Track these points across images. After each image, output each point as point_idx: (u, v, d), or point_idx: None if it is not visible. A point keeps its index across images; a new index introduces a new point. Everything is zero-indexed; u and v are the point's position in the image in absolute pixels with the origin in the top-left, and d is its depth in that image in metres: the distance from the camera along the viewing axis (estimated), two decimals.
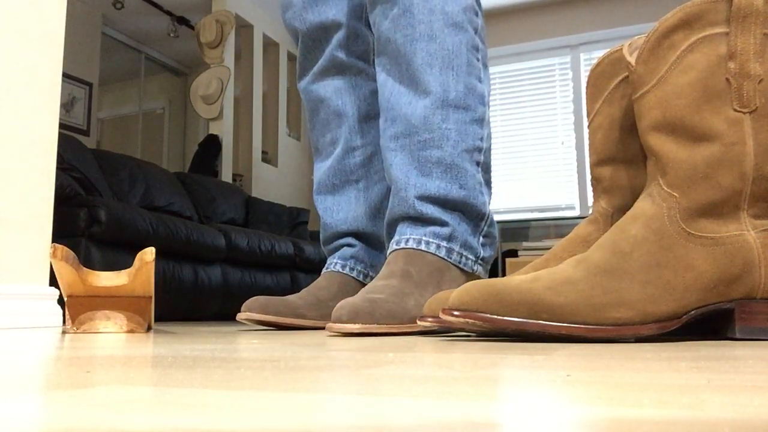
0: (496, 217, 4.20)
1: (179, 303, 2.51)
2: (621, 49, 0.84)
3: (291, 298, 1.16)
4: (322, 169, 1.29)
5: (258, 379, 0.34)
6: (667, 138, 0.70)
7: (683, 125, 0.69)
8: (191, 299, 2.57)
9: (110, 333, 1.01)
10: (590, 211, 0.88)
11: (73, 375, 0.36)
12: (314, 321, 1.15)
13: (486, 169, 1.06)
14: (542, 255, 1.17)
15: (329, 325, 0.86)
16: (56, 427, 0.20)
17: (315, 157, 1.32)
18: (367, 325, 0.85)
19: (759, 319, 0.68)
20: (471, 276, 1.01)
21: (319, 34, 1.25)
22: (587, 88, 0.89)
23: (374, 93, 1.27)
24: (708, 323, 0.73)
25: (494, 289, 0.66)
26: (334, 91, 1.26)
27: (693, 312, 0.67)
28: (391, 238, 1.06)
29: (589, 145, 0.89)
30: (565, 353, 0.50)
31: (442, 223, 0.99)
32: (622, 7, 4.12)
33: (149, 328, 1.10)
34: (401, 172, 1.02)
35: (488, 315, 0.65)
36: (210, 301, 2.66)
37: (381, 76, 1.08)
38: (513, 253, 3.69)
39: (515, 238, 3.97)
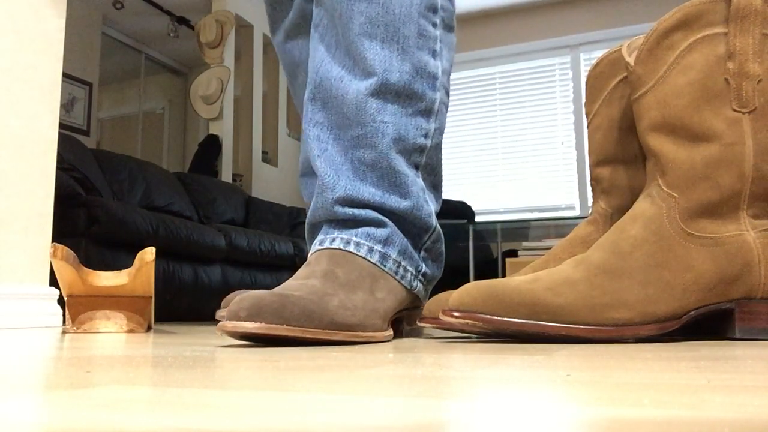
0: (496, 218, 4.20)
1: (179, 303, 2.51)
2: (620, 49, 0.85)
3: None
4: (306, 148, 1.08)
5: (258, 379, 0.34)
6: (667, 138, 0.70)
7: (682, 125, 0.69)
8: (191, 299, 2.57)
9: (110, 333, 1.01)
10: (590, 212, 0.87)
11: (73, 375, 0.36)
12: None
13: (430, 171, 0.87)
14: (542, 255, 1.14)
15: (222, 322, 0.66)
16: (56, 427, 0.20)
17: (303, 134, 1.15)
18: (272, 326, 0.64)
19: (759, 319, 0.68)
20: (409, 293, 0.82)
21: None
22: (586, 88, 0.89)
23: None
24: (708, 323, 0.73)
25: (494, 290, 0.66)
26: (309, 52, 1.02)
27: (693, 312, 0.67)
28: (313, 240, 0.88)
29: (588, 145, 0.89)
30: (565, 353, 0.51)
31: (378, 224, 0.81)
32: (622, 7, 4.12)
33: (149, 328, 1.10)
34: (331, 168, 0.83)
35: (488, 316, 0.65)
36: (210, 301, 2.66)
37: (315, 35, 0.89)
38: (513, 253, 3.69)
39: (515, 238, 3.97)
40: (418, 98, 0.84)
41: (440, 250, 0.88)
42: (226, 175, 4.04)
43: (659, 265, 0.66)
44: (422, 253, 0.85)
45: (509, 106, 4.37)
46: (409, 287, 0.82)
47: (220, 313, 0.98)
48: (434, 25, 0.86)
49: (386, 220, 0.81)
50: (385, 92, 0.82)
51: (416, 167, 0.85)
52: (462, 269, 3.60)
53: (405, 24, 0.83)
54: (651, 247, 0.67)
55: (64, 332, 1.05)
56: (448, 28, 0.89)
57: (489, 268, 3.77)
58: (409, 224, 0.83)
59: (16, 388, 0.31)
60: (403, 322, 0.90)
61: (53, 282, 1.62)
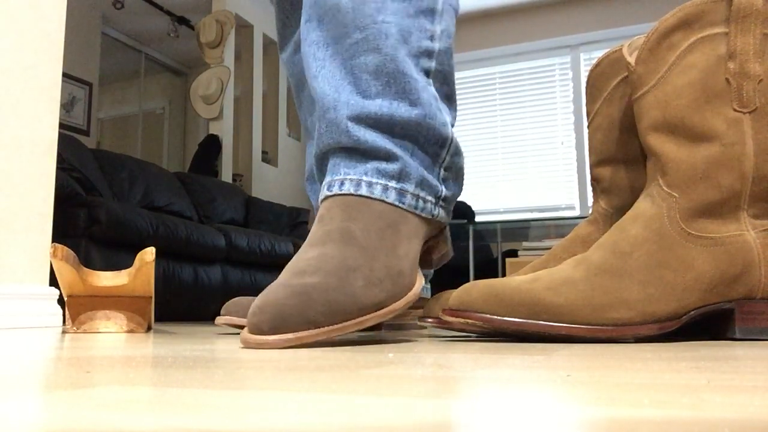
0: (496, 218, 4.20)
1: (179, 303, 2.51)
2: (620, 49, 0.85)
3: None
4: (311, 153, 1.05)
5: (258, 379, 0.34)
6: (667, 138, 0.70)
7: (683, 125, 0.69)
8: (191, 299, 2.57)
9: (110, 333, 1.01)
10: (590, 212, 0.87)
11: (73, 375, 0.36)
12: None
13: (443, 79, 0.79)
14: (542, 255, 1.14)
15: (244, 337, 0.61)
16: (56, 427, 0.20)
17: (306, 141, 1.08)
18: (302, 333, 0.60)
19: (759, 319, 0.68)
20: (432, 223, 0.76)
21: None
22: (587, 88, 0.89)
23: None
24: (708, 323, 0.73)
25: (494, 290, 0.66)
26: None
27: (693, 312, 0.67)
28: (323, 176, 0.79)
29: (589, 145, 0.89)
30: (565, 353, 0.51)
31: (388, 156, 0.73)
32: (622, 7, 4.13)
33: (149, 328, 1.10)
34: (329, 86, 0.75)
35: (488, 315, 0.65)
36: (210, 301, 2.66)
37: None
38: (513, 253, 3.69)
39: (515, 238, 3.97)
40: None
41: (460, 165, 0.81)
42: (226, 175, 4.04)
43: (659, 265, 0.66)
44: (442, 172, 0.78)
45: (509, 106, 4.38)
46: (430, 217, 0.75)
47: (220, 320, 0.95)
48: None
49: (396, 149, 0.73)
50: None
51: (426, 74, 0.77)
52: (462, 269, 3.60)
53: None
54: (651, 246, 0.67)
55: (64, 332, 1.05)
56: None
57: (489, 268, 3.77)
58: (422, 136, 0.75)
59: (16, 388, 0.31)
60: (432, 253, 0.82)
61: (53, 282, 1.62)
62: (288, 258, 3.20)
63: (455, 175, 0.80)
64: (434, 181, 0.76)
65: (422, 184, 0.74)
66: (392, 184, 0.72)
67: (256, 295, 0.87)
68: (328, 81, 0.75)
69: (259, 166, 4.28)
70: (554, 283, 0.66)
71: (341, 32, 0.75)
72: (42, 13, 1.52)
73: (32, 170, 1.47)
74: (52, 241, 1.79)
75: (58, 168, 2.19)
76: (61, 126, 3.96)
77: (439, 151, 0.76)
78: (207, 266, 2.71)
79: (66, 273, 1.01)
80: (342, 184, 0.72)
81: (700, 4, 0.70)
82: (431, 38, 0.76)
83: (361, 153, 0.73)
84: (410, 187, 0.73)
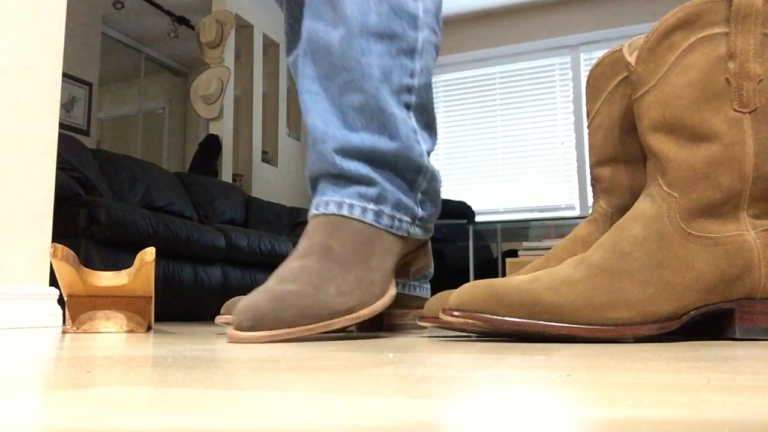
0: (496, 218, 4.20)
1: (179, 303, 2.51)
2: (621, 49, 0.85)
3: None
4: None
5: (258, 379, 0.34)
6: (667, 138, 0.70)
7: (683, 125, 0.69)
8: (191, 299, 2.57)
9: (110, 333, 1.01)
10: (590, 211, 0.87)
11: (73, 375, 0.36)
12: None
13: (422, 110, 0.88)
14: (542, 255, 1.14)
15: (229, 333, 0.71)
16: (56, 427, 0.20)
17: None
18: (275, 332, 0.70)
19: (759, 319, 0.68)
20: (407, 240, 0.85)
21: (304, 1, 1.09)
22: (587, 88, 0.89)
23: None
24: (708, 323, 0.73)
25: (494, 290, 0.66)
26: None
27: (693, 312, 0.67)
28: (314, 197, 0.91)
29: (589, 145, 0.89)
30: (565, 353, 0.51)
31: (369, 182, 0.83)
32: (622, 7, 4.12)
33: (149, 328, 1.10)
34: (320, 120, 0.85)
35: (488, 315, 0.65)
36: (210, 301, 2.66)
37: (305, 3, 0.92)
38: (513, 253, 3.69)
39: (515, 238, 3.97)
40: (399, 38, 0.84)
41: (436, 189, 0.90)
42: (226, 175, 4.04)
43: (659, 265, 0.66)
44: (419, 195, 0.87)
45: (509, 106, 4.38)
46: (406, 235, 0.85)
47: (220, 319, 0.96)
48: None
49: (375, 177, 0.83)
50: (366, 34, 0.83)
51: (407, 107, 0.86)
52: (462, 269, 3.60)
53: None
54: (651, 246, 0.67)
55: (64, 332, 1.05)
56: None
57: (489, 268, 3.77)
58: (401, 165, 0.84)
59: (16, 388, 0.31)
60: (411, 266, 0.91)
61: (53, 282, 1.62)
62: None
63: (432, 197, 0.90)
64: (411, 204, 0.86)
65: (398, 206, 0.84)
66: (370, 206, 0.82)
67: None
68: (319, 115, 0.85)
69: (259, 166, 4.28)
70: (554, 283, 0.66)
71: (331, 71, 0.85)
72: (42, 13, 1.52)
73: (32, 170, 1.47)
74: (52, 241, 1.79)
75: (58, 168, 2.19)
76: (61, 126, 3.96)
77: (415, 177, 0.86)
78: (207, 266, 2.71)
79: (66, 273, 1.01)
80: (327, 204, 0.83)
81: (700, 4, 0.70)
82: (411, 75, 0.86)
83: (345, 179, 0.83)
84: (387, 209, 0.83)
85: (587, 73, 0.97)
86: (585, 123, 4.15)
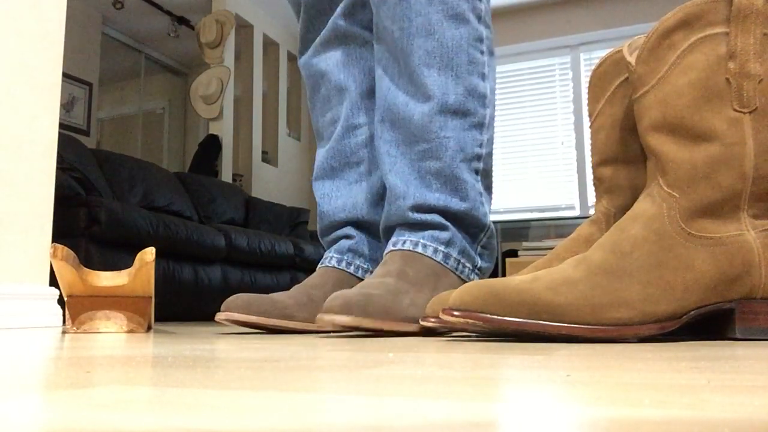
0: (496, 218, 4.20)
1: (179, 303, 2.51)
2: (622, 49, 0.84)
3: (280, 296, 1.01)
4: (321, 152, 1.18)
5: (258, 379, 0.34)
6: (667, 138, 0.70)
7: (683, 125, 0.69)
8: (191, 299, 2.57)
9: (110, 333, 1.01)
10: (591, 211, 0.87)
11: (73, 375, 0.36)
12: (304, 323, 1.00)
13: (486, 175, 1.01)
14: (542, 255, 1.15)
15: (320, 315, 0.82)
16: (56, 427, 0.20)
17: (317, 143, 1.21)
18: (359, 319, 0.81)
19: (759, 319, 0.68)
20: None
21: (324, 4, 1.15)
22: (589, 88, 0.89)
23: None
24: (708, 323, 0.73)
25: (494, 290, 0.66)
26: (335, 64, 1.15)
27: (693, 312, 0.67)
28: (388, 241, 1.03)
29: (591, 145, 0.89)
30: (565, 353, 0.51)
31: (442, 228, 0.96)
32: (622, 7, 4.13)
33: (149, 328, 1.10)
34: (401, 180, 0.98)
35: (488, 315, 0.65)
36: (210, 301, 2.66)
37: (379, 69, 1.04)
38: (513, 253, 3.69)
39: (515, 238, 3.97)
40: (472, 115, 0.98)
41: (493, 246, 1.03)
42: (226, 175, 4.04)
43: (660, 265, 0.66)
44: (479, 249, 1.00)
45: (509, 106, 4.38)
46: (467, 280, 0.96)
47: (220, 316, 0.96)
48: (481, 52, 0.99)
49: (448, 224, 0.96)
50: (445, 112, 0.96)
51: (476, 172, 0.99)
52: None
53: (457, 54, 0.97)
54: (651, 246, 0.67)
55: (64, 332, 1.05)
56: (492, 52, 1.03)
57: None
58: (467, 224, 0.98)
59: (16, 388, 0.31)
60: None
61: (53, 282, 1.62)
62: (288, 258, 3.20)
63: (490, 252, 1.03)
64: (473, 254, 0.99)
65: (464, 253, 0.97)
66: (441, 248, 0.95)
67: (254, 294, 0.98)
68: (400, 176, 0.99)
69: (259, 166, 4.28)
70: (554, 282, 0.66)
71: (411, 139, 0.98)
72: (42, 13, 1.52)
73: (32, 170, 1.47)
74: (52, 241, 1.79)
75: (58, 168, 2.19)
76: (61, 126, 3.96)
77: (478, 233, 0.99)
78: (207, 266, 2.71)
79: (66, 273, 1.01)
80: (404, 243, 0.96)
81: (700, 3, 0.70)
82: (480, 146, 0.99)
83: (420, 226, 0.97)
84: (454, 253, 0.96)
85: (589, 74, 0.98)
86: (585, 123, 4.15)
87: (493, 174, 1.09)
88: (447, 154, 0.96)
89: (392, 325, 0.83)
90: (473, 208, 0.97)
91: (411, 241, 0.95)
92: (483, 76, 0.99)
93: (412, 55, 0.97)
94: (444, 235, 0.96)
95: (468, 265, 0.97)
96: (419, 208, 0.96)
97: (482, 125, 0.99)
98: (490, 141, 1.02)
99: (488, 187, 1.03)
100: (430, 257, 0.94)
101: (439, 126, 0.96)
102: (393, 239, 0.98)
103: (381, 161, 1.02)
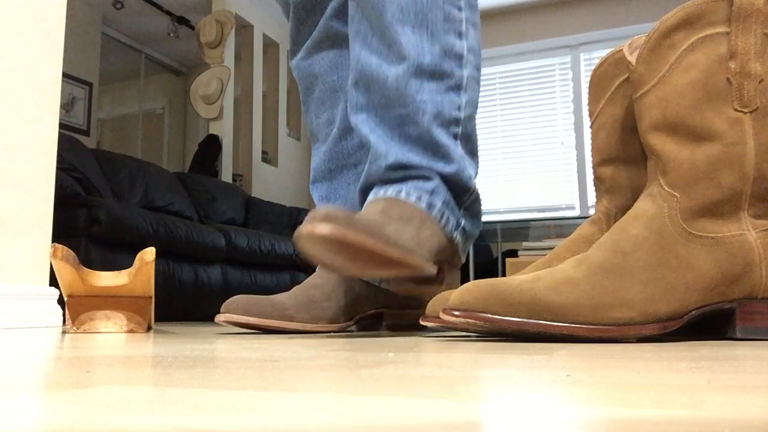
0: (496, 218, 4.20)
1: (179, 303, 2.51)
2: (623, 49, 0.84)
3: (279, 297, 0.99)
4: (318, 154, 1.17)
5: (258, 379, 0.34)
6: (668, 138, 0.70)
7: (684, 125, 0.69)
8: (191, 299, 2.57)
9: (110, 333, 1.01)
10: (590, 211, 0.87)
11: (73, 375, 0.36)
12: (304, 324, 0.98)
13: (466, 139, 0.96)
14: (542, 255, 1.14)
15: (300, 227, 0.73)
16: (56, 427, 0.20)
17: (312, 144, 1.20)
18: (343, 229, 0.71)
19: (759, 319, 0.68)
20: (450, 242, 0.92)
21: (312, 4, 1.13)
22: (590, 88, 0.89)
23: None
24: (708, 323, 0.73)
25: (495, 289, 0.66)
26: (329, 65, 1.14)
27: (694, 312, 0.67)
28: (362, 205, 0.97)
29: (592, 145, 0.89)
30: (565, 353, 0.50)
31: (426, 178, 0.91)
32: (622, 7, 4.12)
33: (149, 328, 1.10)
34: (381, 142, 0.93)
35: (489, 315, 0.65)
36: (210, 301, 2.66)
37: (352, 27, 0.98)
38: (513, 253, 3.69)
39: (515, 238, 3.97)
40: (449, 77, 0.93)
41: (478, 210, 0.99)
42: (226, 175, 4.04)
43: (660, 265, 0.66)
44: (462, 211, 0.95)
45: (509, 106, 4.37)
46: (449, 237, 0.91)
47: (220, 318, 0.96)
48: (459, 8, 0.94)
49: (433, 174, 0.91)
50: (420, 74, 0.91)
51: (455, 137, 0.94)
52: (462, 269, 3.60)
53: (432, 10, 0.92)
54: (652, 246, 0.67)
55: (64, 332, 1.05)
56: (472, 6, 0.97)
57: (489, 268, 3.77)
58: (452, 186, 0.93)
59: (16, 388, 0.31)
60: (444, 272, 0.96)
61: (53, 282, 1.62)
62: (288, 258, 3.20)
63: (473, 214, 0.98)
64: (457, 211, 0.94)
65: (448, 205, 0.91)
66: (425, 196, 0.89)
67: (253, 295, 0.96)
68: (380, 138, 0.94)
69: (259, 166, 4.28)
70: (555, 282, 0.66)
71: (387, 103, 0.93)
72: (42, 13, 1.52)
73: (32, 170, 1.47)
74: (52, 241, 1.79)
75: (58, 168, 2.19)
76: (61, 126, 3.96)
77: (463, 195, 0.95)
78: (207, 266, 2.71)
79: (66, 273, 1.01)
80: (386, 191, 0.90)
81: (701, 3, 0.70)
82: (458, 109, 0.94)
83: (403, 179, 0.91)
84: (438, 203, 0.90)
85: (589, 74, 0.98)
86: (585, 123, 4.15)
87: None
88: (424, 119, 0.91)
89: (376, 244, 0.73)
90: (459, 170, 0.93)
91: (394, 188, 0.90)
92: (460, 35, 0.95)
93: (384, 11, 0.92)
94: (428, 185, 0.90)
95: (452, 220, 0.92)
96: (402, 167, 0.92)
97: (459, 87, 0.95)
98: (470, 103, 0.97)
99: (472, 152, 0.99)
100: (413, 203, 0.88)
101: (415, 89, 0.91)
102: (372, 193, 0.93)
103: (358, 128, 0.96)
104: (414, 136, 0.92)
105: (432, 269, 0.83)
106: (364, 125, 0.95)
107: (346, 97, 1.11)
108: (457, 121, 0.94)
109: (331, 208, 0.74)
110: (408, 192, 0.89)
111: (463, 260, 1.00)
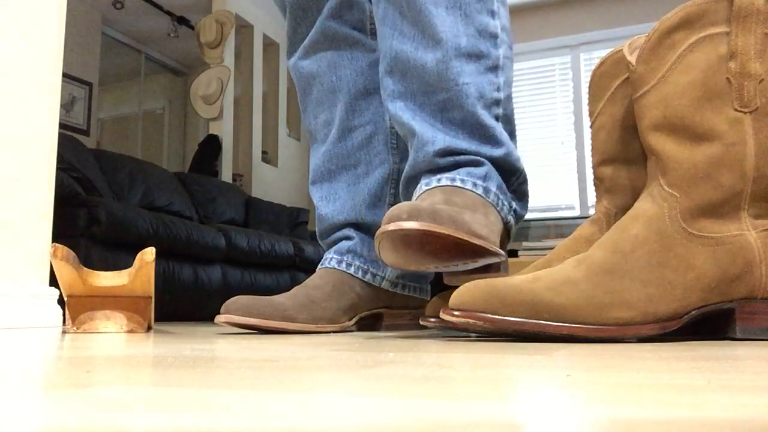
0: None
1: (179, 303, 2.51)
2: (623, 49, 0.84)
3: (279, 298, 0.99)
4: (317, 155, 1.16)
5: (258, 379, 0.34)
6: (668, 138, 0.70)
7: (684, 125, 0.69)
8: (191, 299, 2.57)
9: (110, 333, 1.01)
10: (590, 211, 0.87)
11: (73, 375, 0.36)
12: (304, 324, 0.98)
13: (507, 120, 0.95)
14: (542, 255, 1.14)
15: (385, 226, 0.73)
16: (56, 427, 0.20)
17: (311, 144, 1.18)
18: (428, 224, 0.71)
19: (759, 319, 0.68)
20: (506, 226, 0.91)
21: (309, 3, 1.12)
22: (590, 88, 0.89)
23: (372, 66, 1.12)
24: (708, 323, 0.73)
25: (495, 289, 0.66)
26: (327, 65, 1.13)
27: (694, 312, 0.67)
28: (408, 196, 0.96)
29: (592, 145, 0.89)
30: (565, 353, 0.50)
31: (477, 164, 0.88)
32: (622, 7, 4.13)
33: (149, 328, 1.10)
34: (426, 128, 0.91)
35: (489, 315, 0.65)
36: (210, 301, 2.66)
37: (378, 12, 0.96)
38: (513, 253, 3.69)
39: (515, 238, 3.97)
40: (486, 57, 0.91)
41: (525, 191, 0.98)
42: (226, 175, 4.03)
43: (660, 265, 0.66)
44: (510, 194, 0.94)
45: None
46: (505, 220, 0.90)
47: (220, 319, 0.96)
48: None
49: (483, 159, 0.89)
50: (459, 56, 0.89)
51: (496, 119, 0.92)
52: None
53: None
54: (652, 246, 0.67)
55: (64, 332, 1.05)
56: None
57: None
58: (502, 169, 0.91)
59: (16, 388, 0.31)
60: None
61: (53, 282, 1.62)
62: (288, 258, 3.20)
63: (521, 196, 0.96)
64: (508, 193, 0.92)
65: (501, 188, 0.90)
66: (480, 182, 0.87)
67: (256, 295, 0.96)
68: (423, 124, 0.91)
69: (259, 166, 4.28)
70: (555, 282, 0.66)
71: (427, 89, 0.91)
72: (42, 13, 1.52)
73: (32, 170, 1.47)
74: (52, 241, 1.79)
75: (58, 168, 2.19)
76: (61, 126, 3.96)
77: (510, 178, 0.93)
78: (207, 266, 2.71)
79: (66, 273, 1.01)
80: (439, 180, 0.87)
81: (701, 3, 0.70)
82: (498, 89, 0.92)
83: (453, 166, 0.89)
84: (493, 188, 0.88)
85: (589, 74, 0.97)
86: (585, 123, 4.15)
87: (515, 122, 1.01)
88: (468, 102, 0.89)
89: (461, 235, 0.73)
90: (507, 152, 0.91)
91: (447, 177, 0.87)
92: (492, 14, 0.93)
93: None
94: (480, 170, 0.88)
95: (506, 203, 0.90)
96: (450, 152, 0.89)
97: (496, 67, 0.93)
98: (507, 83, 0.95)
99: (512, 133, 0.97)
100: (471, 190, 0.86)
101: (456, 72, 0.89)
102: (423, 182, 0.90)
103: (398, 117, 0.95)
104: (459, 120, 0.90)
105: (503, 254, 0.83)
106: (404, 113, 0.93)
107: (344, 98, 1.12)
108: (497, 102, 0.93)
109: (410, 204, 0.74)
110: (462, 179, 0.87)
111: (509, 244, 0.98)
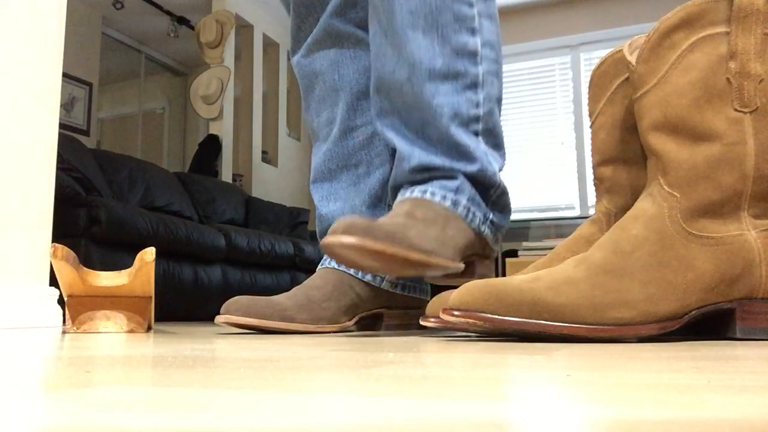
0: None
1: (179, 303, 2.51)
2: (623, 49, 0.84)
3: (278, 298, 1.00)
4: (318, 154, 1.17)
5: (258, 379, 0.34)
6: (668, 138, 0.70)
7: (684, 125, 0.69)
8: (191, 299, 2.57)
9: (110, 333, 1.01)
10: (590, 211, 0.87)
11: (73, 375, 0.36)
12: (304, 325, 0.98)
13: (488, 134, 0.97)
14: (542, 255, 1.14)
15: (325, 238, 0.79)
16: (56, 427, 0.20)
17: (313, 142, 1.20)
18: (363, 239, 0.77)
19: (759, 319, 0.68)
20: (478, 236, 0.95)
21: (314, 0, 1.13)
22: (590, 88, 0.89)
23: None
24: (708, 323, 0.73)
25: (495, 289, 0.66)
26: (330, 63, 1.14)
27: (694, 312, 0.67)
28: (393, 201, 1.01)
29: (592, 145, 0.89)
30: (565, 353, 0.50)
31: (450, 177, 0.93)
32: (622, 7, 4.12)
33: (149, 328, 1.10)
34: (405, 145, 0.96)
35: (489, 315, 0.65)
36: (210, 301, 2.66)
37: (371, 30, 1.00)
38: (513, 253, 3.69)
39: (515, 238, 3.97)
40: (463, 76, 0.94)
41: (506, 202, 1.01)
42: (226, 175, 4.03)
43: (660, 265, 0.66)
44: (489, 205, 0.98)
45: (509, 106, 4.37)
46: (477, 230, 0.94)
47: (220, 319, 0.96)
48: (470, 4, 0.95)
49: (457, 173, 0.93)
50: (433, 78, 0.92)
51: (476, 134, 0.96)
52: None
53: (442, 12, 0.92)
54: (652, 246, 0.67)
55: (64, 332, 1.05)
56: (487, 0, 0.98)
57: None
58: (477, 183, 0.95)
59: (16, 388, 0.31)
60: (476, 265, 0.99)
61: (53, 282, 1.62)
62: (288, 258, 3.20)
63: (501, 208, 1.00)
64: (483, 205, 0.96)
65: (473, 200, 0.94)
66: (450, 195, 0.92)
67: (256, 295, 0.98)
68: (405, 140, 0.97)
69: (259, 166, 4.28)
70: (555, 282, 0.66)
71: (406, 107, 0.96)
72: (42, 13, 1.52)
73: (32, 170, 1.47)
74: (52, 241, 1.79)
75: (58, 168, 2.19)
76: (61, 126, 3.96)
77: (488, 191, 0.96)
78: (207, 266, 2.71)
79: (66, 273, 1.01)
80: (412, 191, 0.94)
81: (701, 3, 0.70)
82: (476, 106, 0.95)
83: (428, 179, 0.94)
84: (463, 200, 0.93)
85: (589, 74, 0.98)
86: (585, 123, 4.15)
87: (501, 134, 1.04)
88: (443, 122, 0.93)
89: (397, 250, 0.79)
90: (482, 168, 0.94)
91: (420, 189, 0.93)
92: (473, 31, 0.95)
93: (395, 15, 0.93)
94: (452, 183, 0.93)
95: (479, 215, 0.95)
96: (426, 169, 0.94)
97: (476, 84, 0.95)
98: (489, 98, 0.97)
99: (496, 145, 1.00)
100: (438, 203, 0.91)
101: (430, 93, 0.93)
102: (401, 192, 0.97)
103: (385, 133, 1.00)
104: (435, 138, 0.94)
105: (458, 266, 0.87)
106: (389, 130, 0.99)
107: (347, 97, 1.12)
108: (476, 119, 0.95)
109: (351, 218, 0.79)
110: (433, 192, 0.92)
111: (496, 251, 1.02)
